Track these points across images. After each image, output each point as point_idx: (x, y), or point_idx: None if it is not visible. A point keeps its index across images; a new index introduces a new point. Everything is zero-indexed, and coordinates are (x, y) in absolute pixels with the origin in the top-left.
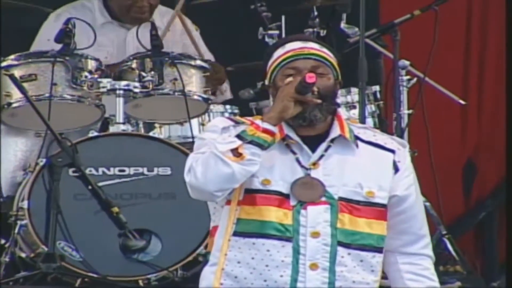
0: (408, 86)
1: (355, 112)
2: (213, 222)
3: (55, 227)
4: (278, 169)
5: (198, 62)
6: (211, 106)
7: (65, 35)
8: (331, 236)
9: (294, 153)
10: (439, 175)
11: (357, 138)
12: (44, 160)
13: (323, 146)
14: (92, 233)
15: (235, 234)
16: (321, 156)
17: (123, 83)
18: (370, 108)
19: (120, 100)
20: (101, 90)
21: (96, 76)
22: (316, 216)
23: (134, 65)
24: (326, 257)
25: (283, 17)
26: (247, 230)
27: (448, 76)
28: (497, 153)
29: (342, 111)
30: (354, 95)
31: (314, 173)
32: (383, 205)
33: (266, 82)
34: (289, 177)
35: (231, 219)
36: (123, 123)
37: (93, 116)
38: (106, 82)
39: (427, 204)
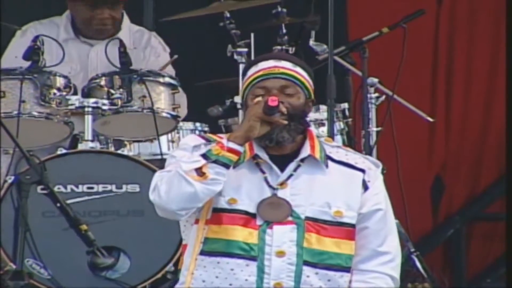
0: (376, 103)
1: (324, 130)
2: (184, 240)
3: (23, 245)
4: (245, 188)
5: (167, 79)
6: (181, 123)
7: (34, 52)
8: (296, 255)
9: (263, 172)
10: (407, 192)
11: (328, 157)
12: (12, 177)
13: (292, 166)
14: (61, 250)
15: (202, 253)
16: (290, 176)
17: (92, 100)
18: (339, 125)
19: (89, 118)
20: (70, 107)
21: (64, 93)
22: (282, 236)
23: (102, 83)
24: (291, 276)
25: (252, 35)
26: (213, 249)
27: (416, 93)
28: (465, 170)
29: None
30: (322, 112)
31: (281, 193)
32: (352, 225)
33: (240, 100)
34: (256, 197)
35: (199, 238)
36: (92, 141)
37: (62, 133)
38: (75, 100)
39: (396, 221)
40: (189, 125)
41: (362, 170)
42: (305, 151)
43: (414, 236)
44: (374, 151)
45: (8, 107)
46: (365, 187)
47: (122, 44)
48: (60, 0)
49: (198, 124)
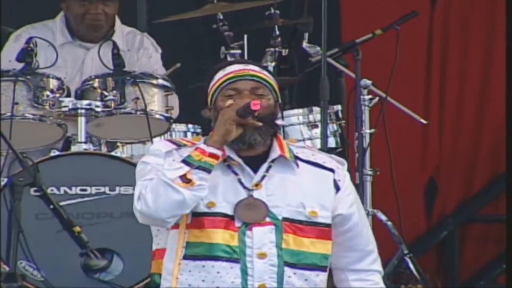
0: (370, 105)
1: (317, 131)
2: (156, 244)
3: (16, 247)
4: (221, 191)
5: (160, 81)
6: (174, 125)
7: (27, 54)
8: (277, 256)
9: (236, 174)
10: (401, 194)
11: (296, 157)
12: (5, 179)
13: (264, 166)
14: (54, 252)
15: (185, 257)
16: (263, 177)
17: (85, 102)
18: (332, 127)
19: (82, 119)
20: (63, 109)
21: (57, 95)
22: (262, 237)
23: (96, 84)
24: (274, 277)
25: (245, 36)
26: (197, 253)
27: (409, 95)
28: (458, 172)
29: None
30: (316, 114)
31: (257, 194)
32: (327, 225)
33: (208, 104)
34: (233, 198)
35: (181, 243)
36: (85, 142)
37: (55, 135)
38: (68, 102)
39: (389, 223)
40: (182, 127)
41: (332, 170)
42: (275, 152)
43: (407, 238)
44: (367, 153)
45: (1, 109)
46: (337, 187)
47: (115, 46)
48: (52, 2)
49: (190, 125)
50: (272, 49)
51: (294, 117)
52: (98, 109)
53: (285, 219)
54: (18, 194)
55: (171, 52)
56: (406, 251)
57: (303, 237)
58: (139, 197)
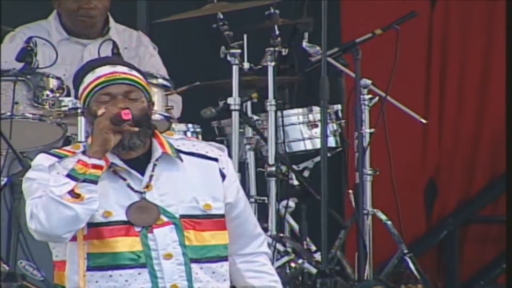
0: (369, 105)
1: (317, 131)
2: (55, 256)
3: (16, 246)
4: (114, 198)
5: (160, 81)
6: (173, 125)
7: (27, 53)
8: (183, 255)
9: (124, 179)
10: (401, 194)
11: (179, 151)
12: (5, 179)
13: (150, 167)
14: None
15: (89, 269)
16: (151, 177)
17: None
18: (332, 127)
19: (82, 119)
20: (63, 109)
21: (57, 94)
22: (164, 238)
23: None
24: (183, 276)
25: (245, 36)
26: (101, 264)
27: (409, 95)
28: (458, 172)
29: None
30: (315, 113)
31: (149, 196)
32: (221, 215)
33: (80, 106)
34: (127, 204)
35: (81, 255)
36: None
37: (55, 135)
38: (68, 101)
39: (389, 223)
40: (182, 126)
41: (215, 159)
42: (157, 150)
43: (407, 238)
44: (367, 153)
45: (1, 109)
46: (223, 175)
47: (115, 45)
48: (43, 2)
49: (190, 125)
50: (272, 48)
51: (294, 116)
52: None
53: (182, 216)
54: (18, 194)
55: (171, 52)
56: (406, 251)
57: (202, 231)
58: (32, 216)
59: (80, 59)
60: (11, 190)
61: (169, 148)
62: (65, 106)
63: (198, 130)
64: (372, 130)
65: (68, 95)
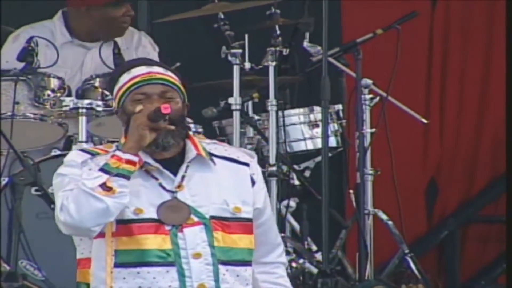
0: (370, 105)
1: (318, 131)
2: (80, 254)
3: (17, 246)
4: (146, 197)
5: None
6: None
7: (28, 53)
8: (211, 255)
9: (156, 178)
10: (402, 193)
11: (211, 154)
12: (6, 179)
13: (183, 167)
14: (55, 252)
15: (117, 265)
16: (183, 177)
17: (86, 101)
18: (333, 126)
19: (83, 119)
20: (64, 108)
21: (58, 94)
22: (194, 237)
23: (97, 84)
24: (211, 276)
25: (246, 36)
26: (129, 261)
27: (410, 94)
28: (459, 172)
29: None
30: (316, 113)
31: (180, 196)
32: (249, 219)
33: (115, 106)
34: (158, 203)
35: (109, 252)
36: (86, 142)
37: (56, 134)
38: (69, 101)
39: (390, 223)
40: None
41: (246, 164)
42: (192, 151)
43: (408, 238)
44: (368, 153)
45: (2, 109)
46: (253, 181)
47: (116, 46)
48: (50, 3)
49: (192, 125)
50: (273, 48)
51: (295, 116)
52: (99, 109)
53: (212, 217)
54: (19, 194)
55: (171, 52)
56: (407, 251)
57: (231, 233)
58: (62, 208)
59: (81, 62)
60: (12, 190)
61: (203, 150)
62: (66, 106)
63: (200, 130)
64: (373, 130)
65: (69, 95)
